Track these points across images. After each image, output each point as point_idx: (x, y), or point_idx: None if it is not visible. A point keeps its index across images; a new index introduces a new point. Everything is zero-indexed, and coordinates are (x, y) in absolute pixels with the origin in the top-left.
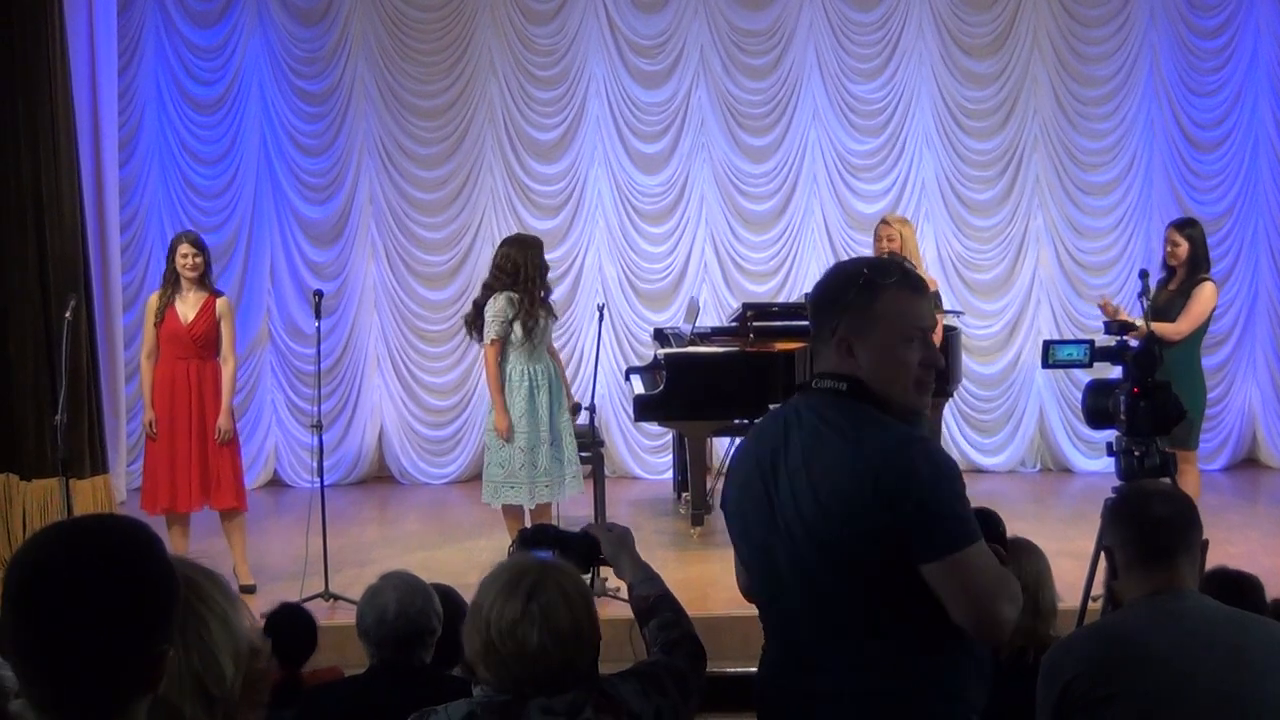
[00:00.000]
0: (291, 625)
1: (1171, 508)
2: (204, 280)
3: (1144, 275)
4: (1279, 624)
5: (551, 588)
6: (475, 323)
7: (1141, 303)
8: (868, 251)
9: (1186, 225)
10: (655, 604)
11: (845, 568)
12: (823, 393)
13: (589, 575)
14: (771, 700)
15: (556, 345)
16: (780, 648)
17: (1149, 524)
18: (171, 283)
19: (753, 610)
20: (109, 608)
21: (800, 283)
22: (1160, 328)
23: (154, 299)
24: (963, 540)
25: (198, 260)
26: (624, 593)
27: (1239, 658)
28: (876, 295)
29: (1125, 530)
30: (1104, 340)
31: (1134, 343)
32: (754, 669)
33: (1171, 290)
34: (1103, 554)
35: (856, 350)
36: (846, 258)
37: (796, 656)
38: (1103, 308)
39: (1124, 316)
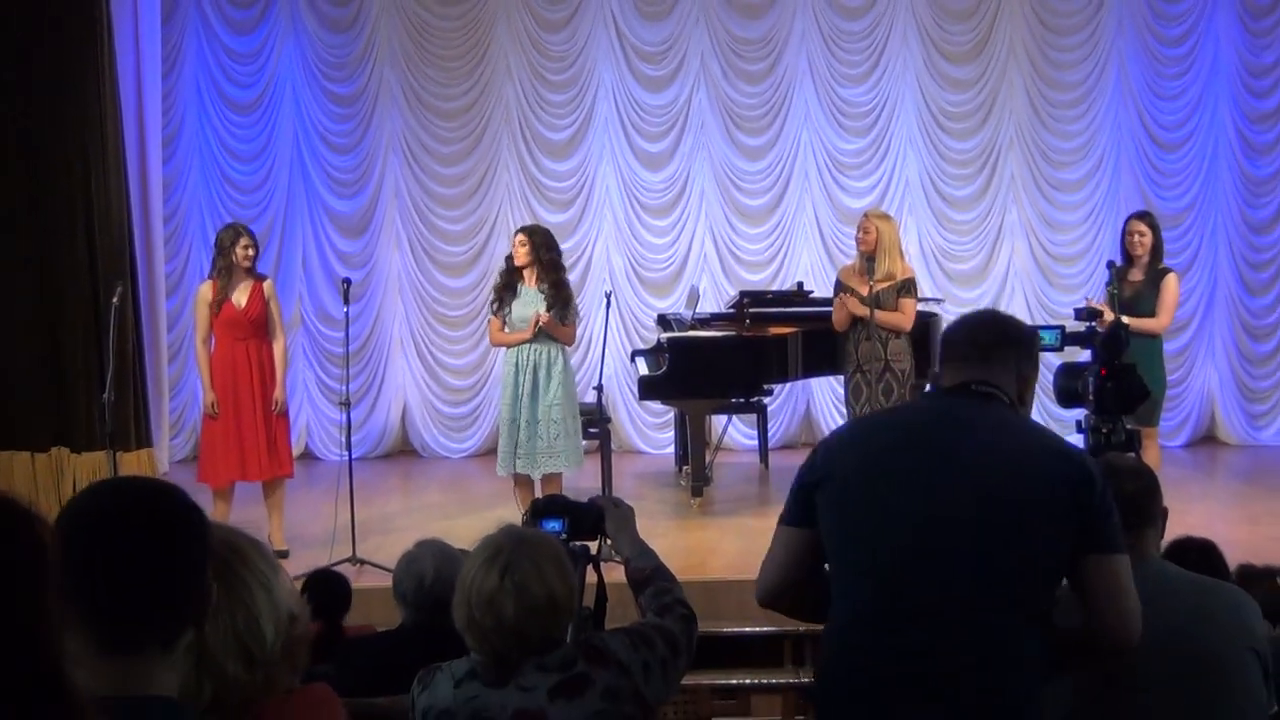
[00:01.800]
0: (329, 587)
1: (1139, 483)
2: (252, 268)
3: (1111, 266)
4: (1238, 588)
5: (526, 561)
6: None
7: (1109, 292)
8: (852, 245)
9: (1147, 216)
10: (650, 575)
11: (1029, 555)
12: (989, 398)
13: (597, 542)
14: (865, 690)
15: (569, 328)
16: (877, 638)
17: (1120, 498)
18: (225, 272)
19: (747, 575)
20: (149, 544)
21: (792, 272)
22: (1145, 324)
23: (206, 289)
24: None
25: (250, 251)
26: None
27: (1200, 620)
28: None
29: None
30: (1074, 326)
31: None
32: (749, 629)
33: (1138, 281)
34: None
35: (1027, 386)
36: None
37: (904, 641)
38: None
39: (1098, 306)
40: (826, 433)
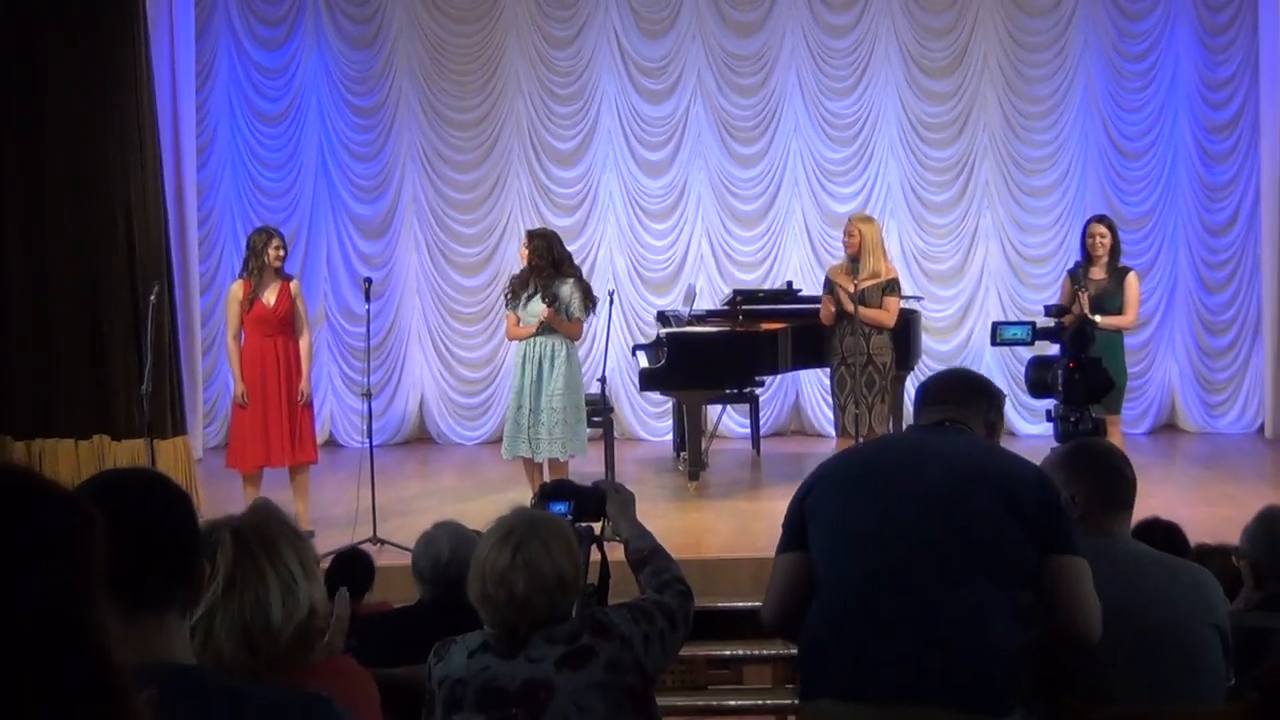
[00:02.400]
0: (354, 565)
1: (1131, 469)
2: (283, 267)
3: (1078, 267)
4: (1201, 568)
5: (536, 541)
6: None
7: (1078, 293)
8: (838, 246)
9: (1106, 219)
10: (649, 555)
11: (1000, 535)
12: (961, 431)
13: (600, 523)
14: (848, 660)
15: (576, 324)
16: (861, 610)
17: (1119, 479)
18: (256, 272)
19: (740, 554)
20: (165, 512)
21: (782, 272)
22: (1115, 321)
23: (238, 288)
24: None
25: (283, 253)
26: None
27: (1165, 595)
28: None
29: (1095, 480)
30: (1044, 322)
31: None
32: (742, 604)
33: (1102, 280)
34: None
35: (994, 433)
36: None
37: (888, 611)
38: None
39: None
40: (816, 420)
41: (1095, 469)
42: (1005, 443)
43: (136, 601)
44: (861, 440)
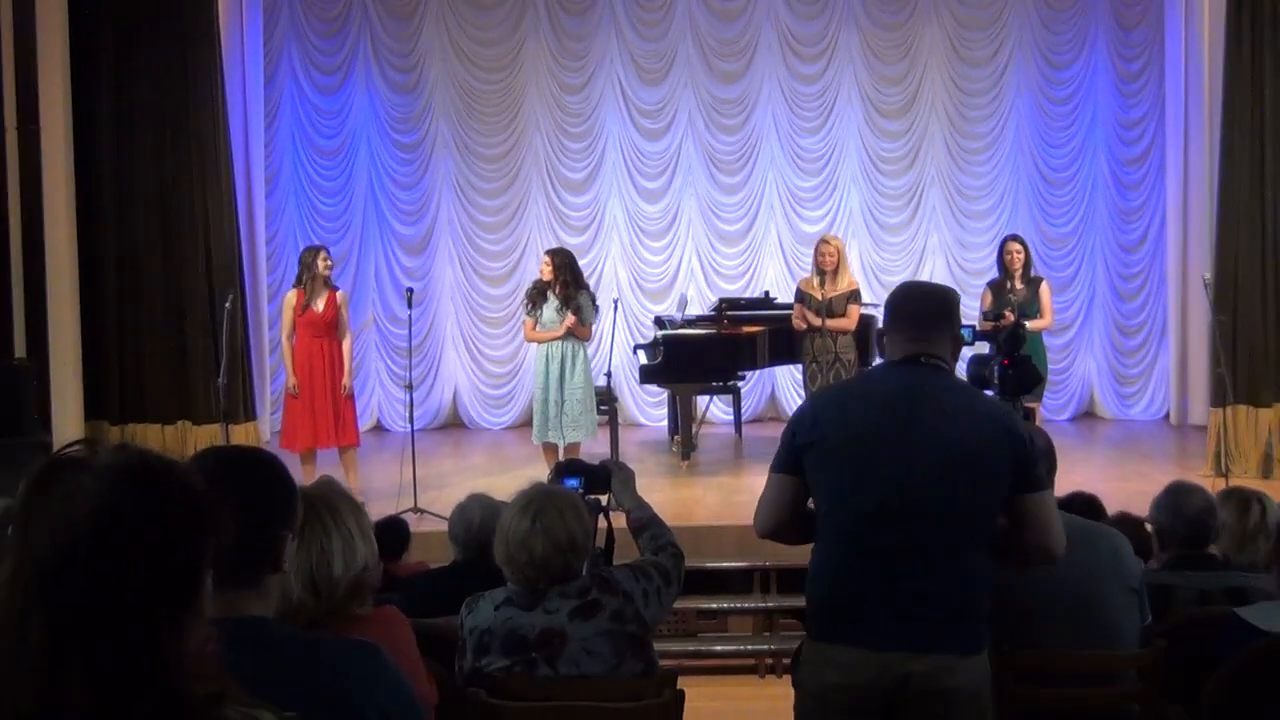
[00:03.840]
0: (394, 530)
1: (1051, 451)
2: (331, 279)
3: (1008, 280)
4: (1117, 532)
5: (552, 510)
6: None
7: (1009, 300)
8: (809, 262)
9: (1019, 237)
10: (647, 523)
11: (980, 498)
12: (938, 370)
13: (607, 496)
14: (860, 611)
15: (586, 328)
16: (866, 560)
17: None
18: (308, 283)
19: (725, 521)
20: (245, 496)
21: (761, 283)
22: (1038, 325)
23: (292, 296)
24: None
25: (329, 265)
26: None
27: (1089, 558)
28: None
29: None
30: (981, 325)
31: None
32: (727, 564)
33: (1022, 290)
34: None
35: (957, 346)
36: (924, 280)
37: (891, 570)
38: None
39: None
40: (789, 409)
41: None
42: None
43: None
44: None
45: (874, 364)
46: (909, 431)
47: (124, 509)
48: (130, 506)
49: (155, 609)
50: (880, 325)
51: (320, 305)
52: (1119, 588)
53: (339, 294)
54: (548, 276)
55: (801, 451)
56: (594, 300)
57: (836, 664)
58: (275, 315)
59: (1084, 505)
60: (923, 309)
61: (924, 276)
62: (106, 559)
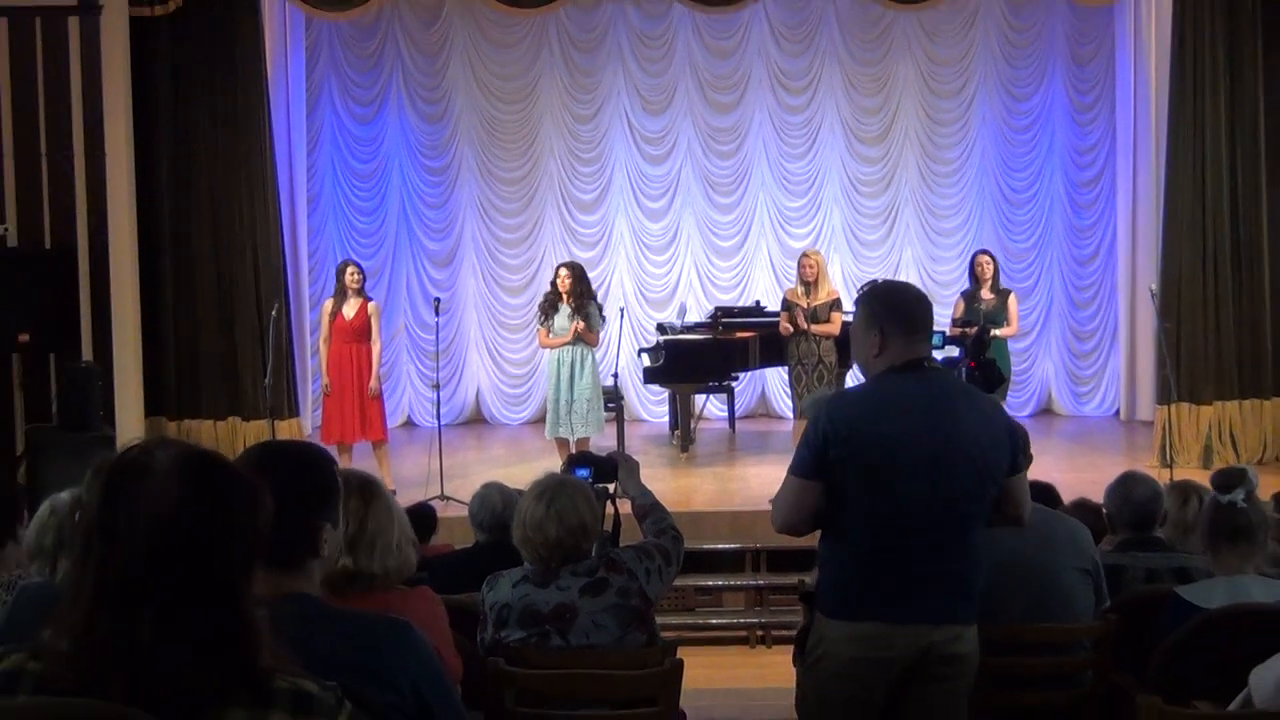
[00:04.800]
0: (422, 516)
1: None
2: (361, 290)
3: (968, 291)
4: (1076, 520)
5: (564, 497)
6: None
7: (976, 309)
8: (794, 273)
9: (988, 251)
10: (650, 509)
11: (988, 488)
12: (939, 372)
13: (613, 484)
14: (888, 592)
15: (594, 334)
16: (897, 553)
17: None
18: (341, 293)
19: (720, 507)
20: (294, 486)
21: (752, 293)
22: (1005, 332)
23: (328, 304)
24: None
25: (359, 277)
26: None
27: (1048, 542)
28: None
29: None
30: (951, 331)
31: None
32: (722, 545)
33: (990, 299)
34: None
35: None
36: (902, 280)
37: (917, 556)
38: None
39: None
40: (778, 406)
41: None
42: None
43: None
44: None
45: (851, 364)
46: (938, 444)
47: (196, 506)
48: (201, 503)
49: (231, 588)
50: (855, 318)
51: (351, 313)
52: (1076, 570)
53: (371, 304)
54: (565, 287)
55: (833, 464)
56: (601, 310)
57: (862, 639)
58: (316, 323)
59: (1041, 493)
60: (920, 314)
61: None
62: (188, 550)
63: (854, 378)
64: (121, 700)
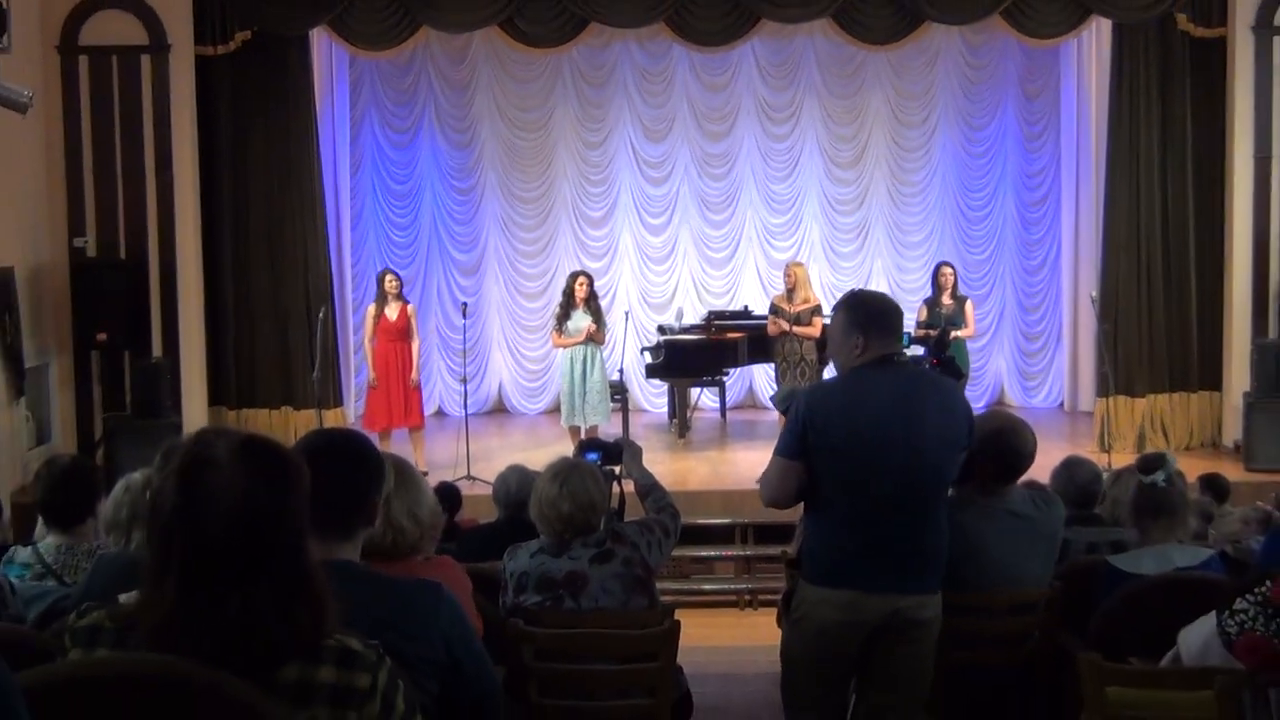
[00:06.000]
0: (448, 494)
1: (1029, 445)
2: (400, 294)
3: (940, 296)
4: (1056, 512)
5: (576, 478)
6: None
7: (939, 313)
8: (780, 283)
9: (949, 263)
10: (651, 488)
11: (952, 468)
12: (906, 364)
13: (619, 467)
14: (869, 559)
15: (603, 334)
16: (871, 529)
17: (1010, 451)
18: (382, 298)
19: (713, 487)
20: (343, 469)
21: (741, 299)
22: (963, 333)
23: (371, 309)
24: None
25: (396, 284)
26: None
27: (1029, 549)
28: None
29: (992, 448)
30: (917, 333)
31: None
32: (714, 521)
33: (950, 305)
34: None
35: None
36: (857, 288)
37: (889, 533)
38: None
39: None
40: (764, 399)
41: (998, 446)
42: None
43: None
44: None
45: (829, 362)
46: (910, 428)
47: (262, 490)
48: (264, 485)
49: (299, 554)
50: (833, 322)
51: (393, 315)
52: (1044, 571)
53: (410, 307)
54: (583, 293)
55: (815, 448)
56: (603, 313)
57: (838, 604)
58: (359, 324)
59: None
60: (893, 315)
61: None
62: (259, 527)
63: (831, 374)
64: (209, 661)
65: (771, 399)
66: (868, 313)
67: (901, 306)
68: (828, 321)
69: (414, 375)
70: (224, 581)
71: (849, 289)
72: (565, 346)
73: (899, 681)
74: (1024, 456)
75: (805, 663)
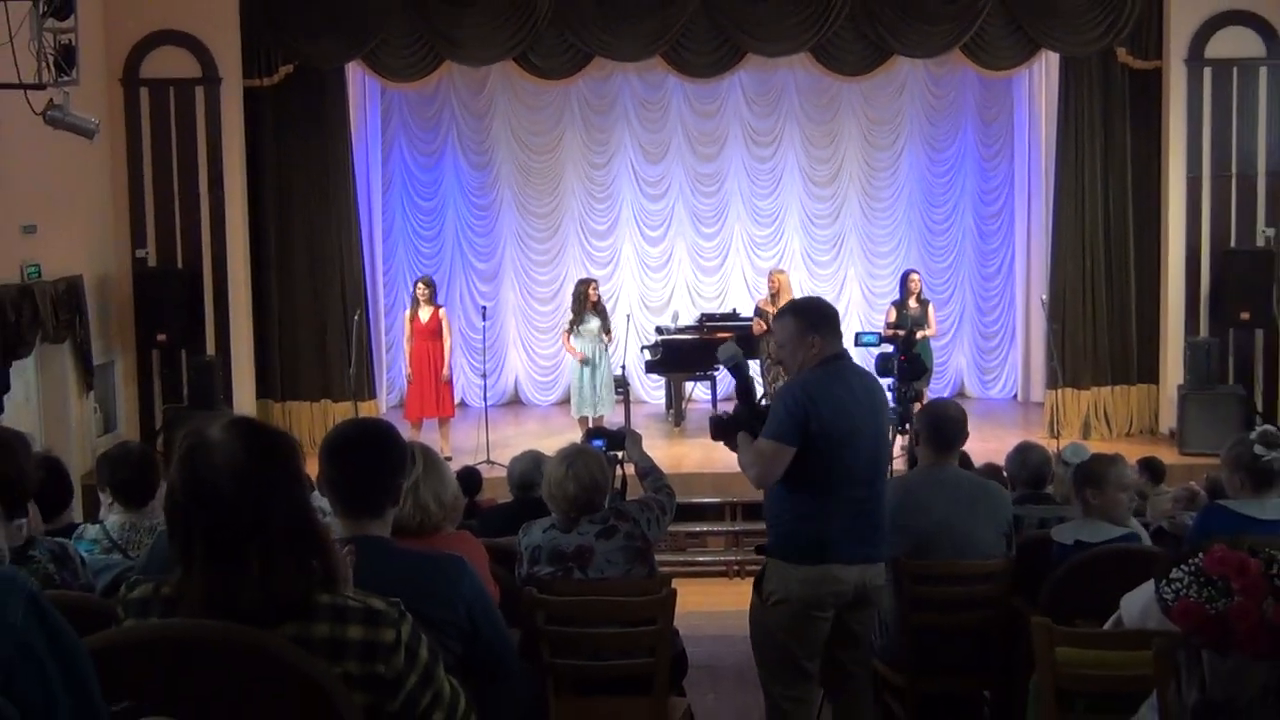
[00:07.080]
0: (470, 477)
1: (962, 418)
2: (432, 299)
3: (907, 299)
4: (999, 488)
5: (582, 462)
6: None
7: (906, 315)
8: (764, 288)
9: (916, 271)
10: (649, 471)
11: (888, 449)
12: (850, 360)
13: (622, 452)
14: (846, 534)
15: (610, 334)
16: (846, 506)
17: (947, 424)
18: (415, 303)
19: (705, 470)
20: (372, 454)
21: (730, 302)
22: (925, 333)
23: (407, 313)
24: None
25: (428, 290)
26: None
27: (973, 507)
28: None
29: (930, 425)
30: (885, 333)
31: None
32: (707, 500)
33: (914, 307)
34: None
35: None
36: (805, 296)
37: (859, 509)
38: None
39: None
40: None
41: (935, 416)
42: None
43: (351, 507)
44: None
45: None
46: (874, 415)
47: (255, 457)
48: (259, 453)
49: (299, 511)
50: (781, 329)
51: (425, 317)
52: (994, 532)
53: (441, 310)
54: (595, 298)
55: (815, 434)
56: (608, 316)
57: (821, 579)
58: (389, 327)
59: (960, 461)
60: (835, 317)
61: (845, 299)
62: (258, 487)
63: None
64: (247, 621)
65: (717, 353)
66: (818, 316)
67: (869, 306)
68: None
69: (445, 371)
70: (240, 545)
71: (789, 300)
72: (572, 354)
73: (860, 639)
74: (951, 419)
75: (792, 640)
